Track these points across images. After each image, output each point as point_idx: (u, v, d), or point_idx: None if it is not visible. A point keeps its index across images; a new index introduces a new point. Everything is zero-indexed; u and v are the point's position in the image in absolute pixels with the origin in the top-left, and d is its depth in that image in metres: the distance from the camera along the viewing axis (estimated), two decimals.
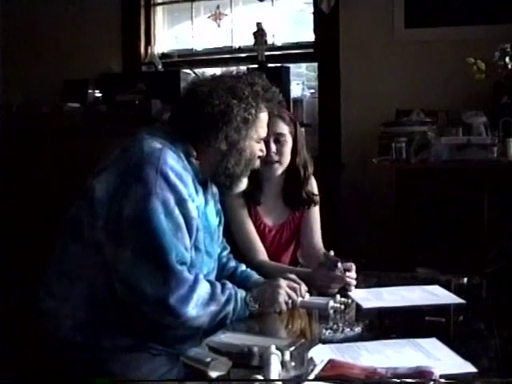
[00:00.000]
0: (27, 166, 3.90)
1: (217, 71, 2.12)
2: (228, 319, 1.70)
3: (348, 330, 1.63)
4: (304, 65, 4.37)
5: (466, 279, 2.15)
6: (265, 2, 4.20)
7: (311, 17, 4.14)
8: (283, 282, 1.83)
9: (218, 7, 4.37)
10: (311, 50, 4.14)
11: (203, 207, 1.81)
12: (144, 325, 1.66)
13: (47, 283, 1.74)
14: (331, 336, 1.59)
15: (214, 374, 1.29)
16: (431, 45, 3.72)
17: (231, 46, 4.37)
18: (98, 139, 3.50)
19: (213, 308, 1.67)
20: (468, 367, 1.34)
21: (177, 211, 1.64)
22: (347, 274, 1.97)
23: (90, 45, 4.39)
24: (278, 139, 2.18)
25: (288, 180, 2.28)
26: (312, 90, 4.23)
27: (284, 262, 2.27)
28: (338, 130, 3.95)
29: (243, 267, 2.03)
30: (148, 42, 4.47)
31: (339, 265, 1.96)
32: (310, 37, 4.16)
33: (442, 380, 1.23)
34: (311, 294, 1.90)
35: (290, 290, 1.82)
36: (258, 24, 4.03)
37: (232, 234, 2.16)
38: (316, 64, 4.15)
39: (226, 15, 4.37)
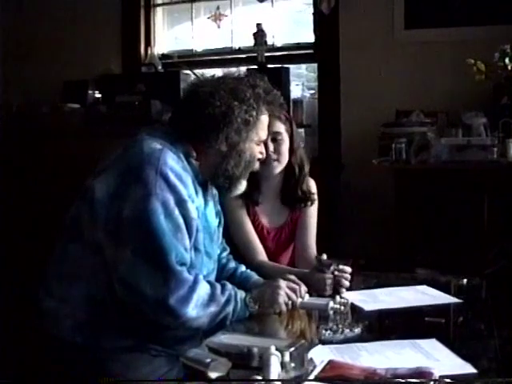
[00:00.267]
0: (27, 166, 3.90)
1: (217, 72, 2.12)
2: (228, 320, 1.70)
3: (348, 330, 1.63)
4: (304, 66, 4.37)
5: (465, 280, 2.15)
6: (265, 3, 4.20)
7: (311, 18, 4.14)
8: (283, 283, 1.83)
9: (217, 8, 4.37)
10: (311, 51, 4.14)
11: (203, 208, 1.81)
12: (144, 325, 1.66)
13: (47, 283, 1.74)
14: (331, 337, 1.60)
15: (213, 375, 1.29)
16: (431, 45, 3.72)
17: (231, 47, 4.37)
18: (98, 140, 3.50)
19: (212, 309, 1.67)
20: (468, 368, 1.34)
21: (177, 212, 1.64)
22: (338, 274, 1.97)
23: (90, 45, 4.39)
24: (275, 138, 2.18)
25: (285, 179, 2.28)
26: (312, 91, 4.24)
27: (282, 263, 2.27)
28: (337, 130, 3.95)
29: (243, 268, 2.03)
30: (148, 43, 4.48)
31: (332, 268, 1.96)
32: (309, 38, 4.16)
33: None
34: (311, 295, 1.90)
35: (290, 291, 1.82)
36: (258, 25, 4.04)
37: (231, 234, 2.16)
38: (316, 65, 4.16)
39: (226, 16, 4.37)
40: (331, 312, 1.78)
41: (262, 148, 1.90)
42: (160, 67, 4.36)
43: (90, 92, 4.19)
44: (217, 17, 4.39)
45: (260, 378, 1.22)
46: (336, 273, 1.98)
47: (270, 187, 2.28)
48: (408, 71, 3.77)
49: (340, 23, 3.93)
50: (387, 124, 3.57)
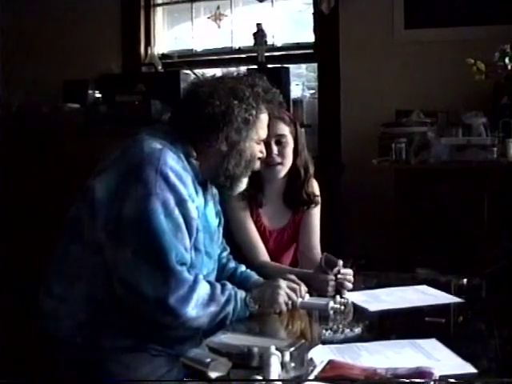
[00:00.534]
0: (27, 166, 3.90)
1: (217, 72, 2.12)
2: (228, 320, 1.70)
3: (348, 330, 1.63)
4: (304, 65, 4.38)
5: (465, 279, 2.15)
6: (265, 3, 4.20)
7: (311, 17, 4.14)
8: (283, 283, 1.83)
9: (217, 8, 4.37)
10: (311, 51, 4.14)
11: (203, 208, 1.81)
12: (144, 325, 1.66)
13: (47, 283, 1.74)
14: (331, 337, 1.59)
15: (213, 375, 1.29)
16: (431, 45, 3.72)
17: (231, 47, 4.37)
18: (98, 140, 3.50)
19: (212, 309, 1.67)
20: (468, 368, 1.34)
21: (177, 212, 1.64)
22: (341, 276, 1.97)
23: (90, 45, 4.39)
24: (280, 141, 2.17)
25: (289, 181, 2.28)
26: (312, 91, 4.23)
27: (284, 264, 2.27)
28: (337, 130, 3.95)
29: (243, 268, 2.03)
30: (148, 43, 4.47)
31: (335, 269, 1.96)
32: (309, 37, 4.16)
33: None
34: (311, 295, 1.90)
35: (290, 291, 1.82)
36: (258, 25, 4.04)
37: (233, 235, 2.16)
38: (316, 64, 4.16)
39: (226, 16, 4.37)
40: (331, 312, 1.78)
41: (262, 147, 1.90)
42: (160, 67, 4.36)
43: (90, 92, 4.19)
44: (217, 17, 4.39)
45: (260, 377, 1.22)
46: (339, 276, 1.97)
47: (273, 189, 2.27)
48: (408, 71, 3.77)
49: (340, 23, 3.93)
50: (387, 124, 3.57)
